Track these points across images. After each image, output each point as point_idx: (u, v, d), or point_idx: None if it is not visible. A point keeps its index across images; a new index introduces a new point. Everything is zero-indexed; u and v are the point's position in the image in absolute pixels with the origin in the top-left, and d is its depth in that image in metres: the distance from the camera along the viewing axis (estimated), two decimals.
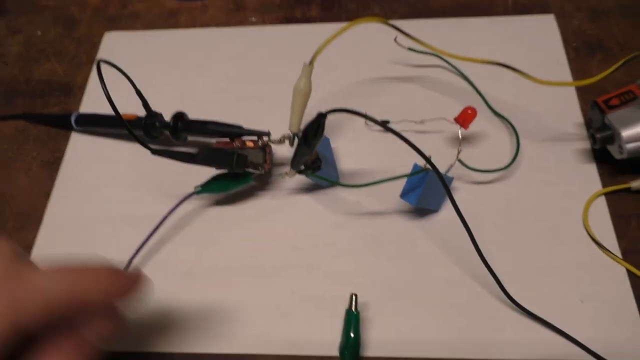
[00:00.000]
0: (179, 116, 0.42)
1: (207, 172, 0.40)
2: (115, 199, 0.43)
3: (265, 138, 0.40)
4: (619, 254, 0.37)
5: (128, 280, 0.27)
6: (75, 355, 0.25)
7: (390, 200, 0.40)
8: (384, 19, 0.41)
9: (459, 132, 0.39)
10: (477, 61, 0.40)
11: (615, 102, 0.39)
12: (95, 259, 0.27)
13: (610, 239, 0.38)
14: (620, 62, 0.37)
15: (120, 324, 0.28)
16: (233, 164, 0.38)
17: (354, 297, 0.35)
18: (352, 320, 0.34)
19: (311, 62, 0.38)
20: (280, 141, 0.39)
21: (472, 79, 0.46)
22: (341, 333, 0.34)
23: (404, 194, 0.37)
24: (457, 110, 0.39)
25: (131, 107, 0.40)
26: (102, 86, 0.34)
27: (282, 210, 0.41)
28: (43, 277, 0.24)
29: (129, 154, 0.45)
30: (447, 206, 0.40)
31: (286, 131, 0.39)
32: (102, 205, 0.43)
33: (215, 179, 0.40)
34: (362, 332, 0.35)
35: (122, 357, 0.36)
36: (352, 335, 0.34)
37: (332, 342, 0.35)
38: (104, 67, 0.35)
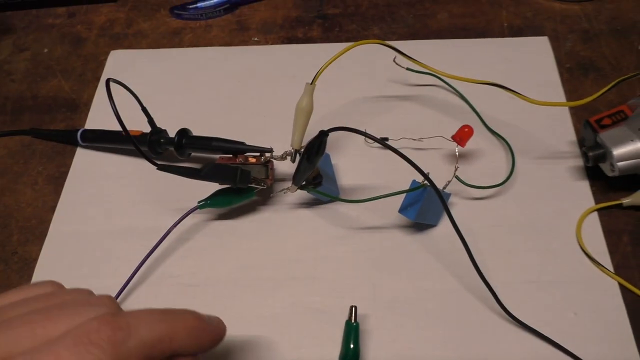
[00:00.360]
0: (183, 132, 0.43)
1: (209, 188, 0.40)
2: (119, 213, 0.44)
3: (267, 154, 0.41)
4: (611, 268, 0.38)
5: (214, 329, 0.27)
6: None
7: (389, 215, 0.41)
8: (383, 41, 0.42)
9: (456, 150, 0.40)
10: (474, 82, 0.42)
11: (607, 121, 0.40)
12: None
13: (602, 254, 0.39)
14: (612, 84, 0.39)
15: None
16: (236, 180, 0.39)
17: (353, 309, 0.35)
18: (352, 331, 0.35)
19: (313, 82, 0.39)
20: (282, 157, 0.40)
21: (469, 98, 0.47)
22: (341, 344, 0.35)
23: (402, 209, 0.38)
24: (454, 128, 0.41)
25: (136, 124, 0.41)
26: (111, 104, 0.35)
27: (284, 225, 0.42)
28: (138, 320, 0.24)
29: (133, 169, 0.46)
30: (445, 221, 0.41)
31: (288, 148, 0.40)
32: (107, 219, 0.44)
33: (218, 193, 0.41)
34: (362, 344, 0.36)
35: None
36: (351, 346, 0.34)
37: (332, 353, 0.36)
38: (111, 84, 0.36)
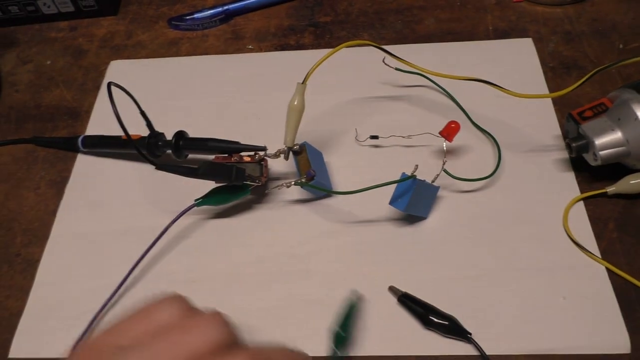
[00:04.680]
0: (180, 134, 0.44)
1: (205, 189, 0.42)
2: (118, 214, 0.45)
3: (261, 152, 0.42)
4: (598, 254, 0.39)
5: None
6: None
7: (380, 208, 0.42)
8: (371, 42, 0.44)
9: (444, 145, 0.42)
10: (458, 78, 0.43)
11: (588, 113, 0.42)
12: None
13: (589, 241, 0.40)
14: (589, 74, 0.40)
15: None
16: (232, 177, 0.40)
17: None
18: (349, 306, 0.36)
19: (304, 81, 0.41)
20: (276, 155, 0.42)
21: (456, 97, 0.49)
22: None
23: (393, 201, 0.39)
24: (443, 125, 0.42)
25: (134, 129, 0.42)
26: (112, 106, 0.37)
27: (279, 220, 0.43)
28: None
29: (132, 173, 0.48)
30: (435, 214, 0.42)
31: (281, 146, 0.41)
32: (106, 220, 0.45)
33: (214, 191, 0.42)
34: (354, 327, 0.36)
35: None
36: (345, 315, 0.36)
37: (326, 342, 0.36)
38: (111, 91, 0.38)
